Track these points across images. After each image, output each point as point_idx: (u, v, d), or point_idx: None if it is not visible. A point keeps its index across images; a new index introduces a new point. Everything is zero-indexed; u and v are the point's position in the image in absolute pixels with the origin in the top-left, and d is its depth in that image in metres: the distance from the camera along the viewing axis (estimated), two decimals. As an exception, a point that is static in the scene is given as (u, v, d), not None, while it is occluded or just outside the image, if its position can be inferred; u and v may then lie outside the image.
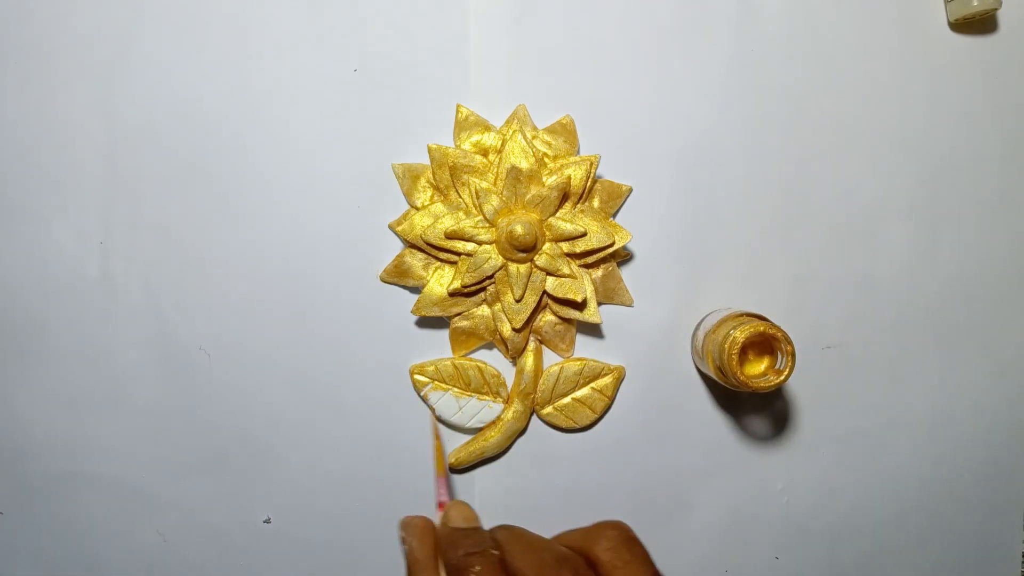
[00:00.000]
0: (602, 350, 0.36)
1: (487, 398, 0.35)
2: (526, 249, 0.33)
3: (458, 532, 0.26)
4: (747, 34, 0.35)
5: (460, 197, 0.34)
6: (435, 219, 0.34)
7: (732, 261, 0.36)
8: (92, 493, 0.36)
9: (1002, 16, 0.36)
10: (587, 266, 0.34)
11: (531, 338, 0.35)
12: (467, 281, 0.33)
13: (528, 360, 0.35)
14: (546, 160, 0.34)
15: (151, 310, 0.35)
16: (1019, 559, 0.38)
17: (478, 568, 0.24)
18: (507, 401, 0.35)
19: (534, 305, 0.34)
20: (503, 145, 0.33)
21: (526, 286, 0.33)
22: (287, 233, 0.35)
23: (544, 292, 0.34)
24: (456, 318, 0.35)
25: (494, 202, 0.33)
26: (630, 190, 0.35)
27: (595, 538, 0.26)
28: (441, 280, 0.34)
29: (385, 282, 0.35)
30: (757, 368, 0.33)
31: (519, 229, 0.32)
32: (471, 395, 0.35)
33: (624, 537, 0.26)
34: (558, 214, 0.34)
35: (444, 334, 0.35)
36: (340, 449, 0.36)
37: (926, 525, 0.37)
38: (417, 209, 0.34)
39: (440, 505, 0.30)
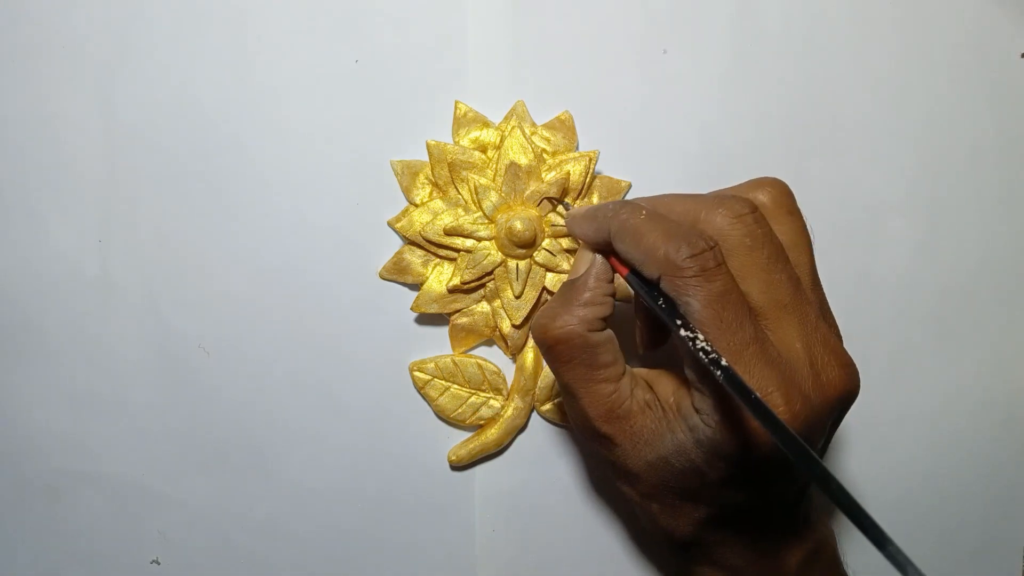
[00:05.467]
0: (602, 346, 0.36)
1: (487, 395, 0.35)
2: (525, 245, 0.33)
3: (650, 224, 0.24)
4: (747, 30, 0.35)
5: (459, 194, 0.34)
6: (434, 216, 0.34)
7: (732, 257, 0.35)
8: (92, 492, 0.36)
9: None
10: (587, 262, 0.34)
11: (531, 334, 0.35)
12: (466, 278, 0.33)
13: (528, 357, 0.35)
14: (545, 156, 0.34)
15: (150, 308, 0.35)
16: (1020, 555, 0.38)
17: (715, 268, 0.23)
18: (507, 398, 0.35)
19: (534, 301, 0.34)
20: (502, 141, 0.33)
21: (526, 282, 0.33)
22: (286, 230, 0.35)
23: (544, 288, 0.34)
24: (456, 315, 0.35)
25: (493, 198, 0.33)
26: (629, 186, 0.35)
27: (756, 187, 0.26)
28: (440, 277, 0.34)
29: (384, 279, 0.35)
30: None
31: (518, 225, 0.32)
32: (471, 392, 0.35)
33: (786, 190, 0.27)
34: (558, 210, 0.33)
35: (444, 331, 0.35)
36: (340, 446, 0.36)
37: (927, 520, 0.37)
38: (416, 206, 0.34)
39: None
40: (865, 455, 0.37)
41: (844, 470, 0.37)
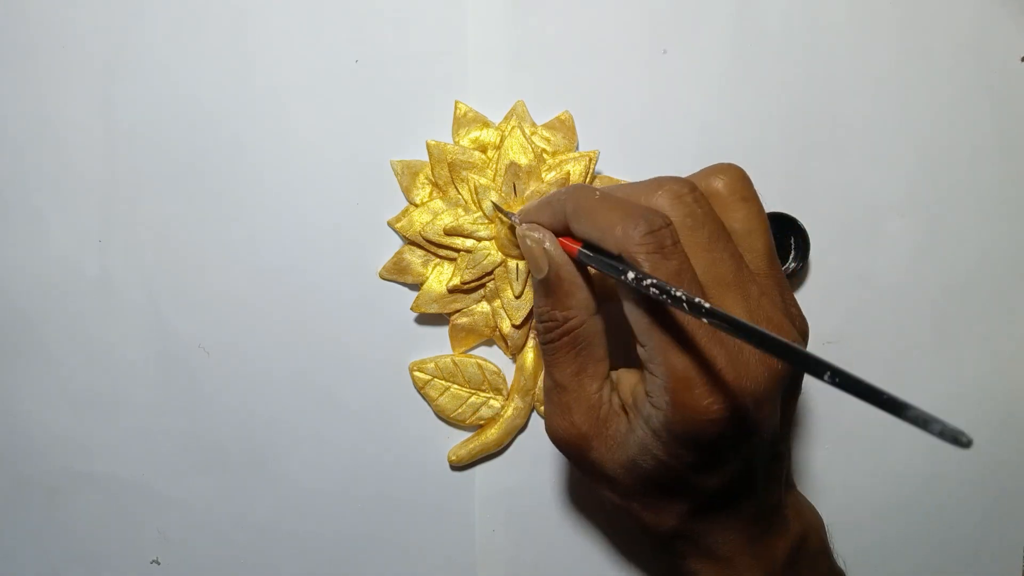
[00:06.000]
0: (602, 346, 0.36)
1: (487, 395, 0.35)
2: (525, 245, 0.33)
3: (605, 204, 0.24)
4: (747, 30, 0.35)
5: (459, 193, 0.34)
6: (434, 216, 0.34)
7: (732, 257, 0.35)
8: (91, 492, 0.36)
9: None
10: (587, 262, 0.34)
11: (531, 334, 0.35)
12: (466, 278, 0.33)
13: (528, 357, 0.35)
14: (545, 156, 0.34)
15: (150, 308, 0.35)
16: (1020, 555, 0.38)
17: (670, 248, 0.23)
18: (507, 398, 0.35)
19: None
20: (502, 141, 0.33)
21: (526, 282, 0.33)
22: (286, 230, 0.35)
23: (544, 288, 0.34)
24: (456, 315, 0.35)
25: (493, 198, 0.33)
26: (629, 186, 0.35)
27: (712, 174, 0.26)
28: (440, 277, 0.34)
29: (384, 279, 0.35)
30: None
31: (518, 225, 0.32)
32: (471, 392, 0.35)
33: (740, 175, 0.27)
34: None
35: (444, 331, 0.35)
36: (340, 446, 0.36)
37: (926, 520, 0.37)
38: (416, 206, 0.34)
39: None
40: (865, 455, 0.37)
41: (844, 470, 0.37)
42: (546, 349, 0.27)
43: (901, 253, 0.36)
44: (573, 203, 0.25)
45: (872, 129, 0.36)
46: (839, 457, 0.37)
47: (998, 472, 0.37)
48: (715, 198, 0.26)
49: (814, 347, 0.36)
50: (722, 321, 0.20)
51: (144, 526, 0.36)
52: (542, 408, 0.35)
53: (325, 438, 0.36)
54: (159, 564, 0.37)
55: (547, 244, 0.26)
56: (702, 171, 0.27)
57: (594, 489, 0.29)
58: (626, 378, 0.27)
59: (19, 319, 0.35)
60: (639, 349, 0.25)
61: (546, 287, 0.26)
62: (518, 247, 0.33)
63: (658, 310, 0.23)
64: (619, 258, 0.24)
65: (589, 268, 0.27)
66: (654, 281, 0.22)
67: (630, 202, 0.25)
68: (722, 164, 0.27)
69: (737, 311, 0.24)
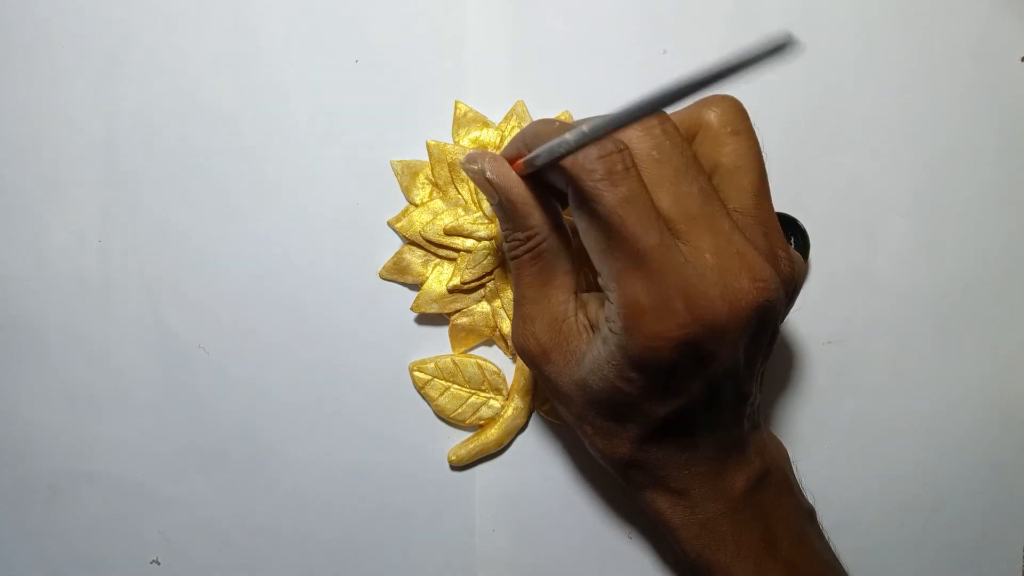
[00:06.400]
0: (602, 346, 0.36)
1: (487, 395, 0.35)
2: (525, 245, 0.33)
3: (545, 126, 0.24)
4: (746, 30, 0.35)
5: (459, 193, 0.34)
6: (434, 216, 0.34)
7: (732, 257, 0.35)
8: (91, 492, 0.36)
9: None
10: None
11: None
12: (466, 278, 0.33)
13: (528, 357, 0.35)
14: (545, 156, 0.34)
15: (150, 308, 0.35)
16: (1020, 555, 0.38)
17: (623, 172, 0.23)
18: (507, 398, 0.35)
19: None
20: (502, 141, 0.33)
21: (525, 282, 0.33)
22: (286, 230, 0.35)
23: (544, 288, 0.34)
24: (456, 315, 0.35)
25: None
26: (629, 186, 0.35)
27: (705, 105, 0.26)
28: (440, 277, 0.34)
29: (384, 279, 0.35)
30: None
31: (518, 225, 0.32)
32: (471, 392, 0.35)
33: (735, 106, 0.26)
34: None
35: (444, 331, 0.35)
36: (340, 446, 0.36)
37: (927, 520, 0.37)
38: (416, 206, 0.34)
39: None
40: (865, 455, 0.37)
41: (844, 470, 0.37)
42: (513, 265, 0.28)
43: (901, 253, 0.36)
44: (532, 131, 0.25)
45: (872, 129, 0.36)
46: (839, 457, 0.37)
47: (998, 472, 0.37)
48: (705, 131, 0.26)
49: (814, 347, 0.36)
50: (597, 130, 0.20)
51: (144, 526, 0.36)
52: (542, 408, 0.35)
53: (325, 438, 0.36)
54: (159, 564, 0.37)
55: (488, 173, 0.26)
56: (697, 102, 0.26)
57: (554, 405, 0.29)
58: (592, 302, 0.27)
59: (19, 319, 0.35)
60: (599, 279, 0.25)
61: (503, 211, 0.27)
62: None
63: (613, 236, 0.23)
64: (555, 154, 0.23)
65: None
66: (564, 151, 0.22)
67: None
68: (718, 95, 0.26)
69: (704, 245, 0.24)
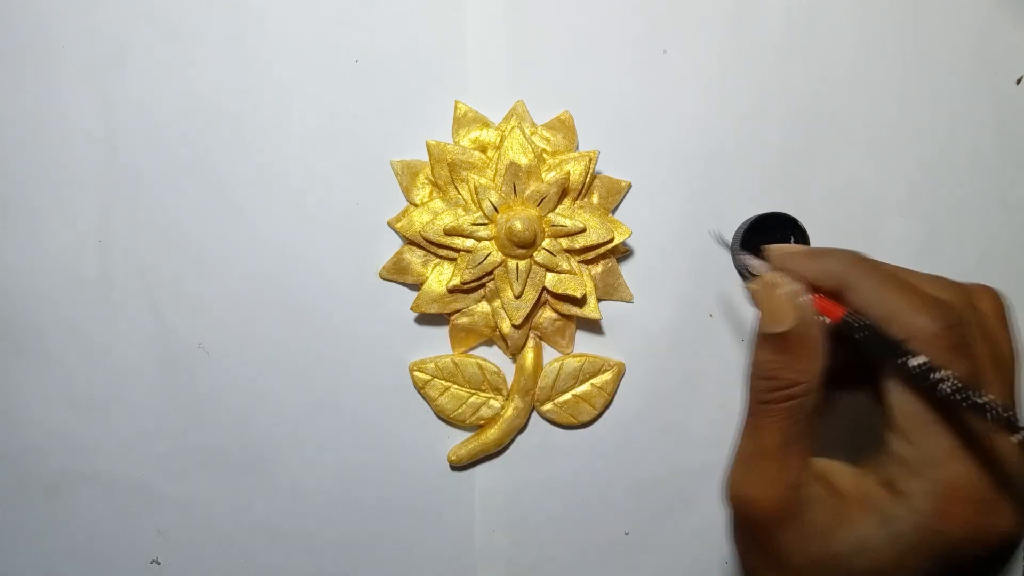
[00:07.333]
0: (602, 346, 0.36)
1: (487, 395, 0.35)
2: (525, 245, 0.33)
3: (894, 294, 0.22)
4: (746, 30, 0.35)
5: (459, 193, 0.34)
6: (434, 216, 0.34)
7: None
8: (91, 492, 0.36)
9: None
10: (587, 262, 0.34)
11: (531, 335, 0.35)
12: (466, 278, 0.33)
13: (528, 357, 0.35)
14: (545, 156, 0.34)
15: (150, 308, 0.35)
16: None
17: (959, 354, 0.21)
18: (507, 398, 0.35)
19: (534, 301, 0.34)
20: (502, 141, 0.33)
21: (526, 282, 0.33)
22: (286, 230, 0.35)
23: (544, 288, 0.34)
24: (455, 315, 0.35)
25: (493, 198, 0.33)
26: (629, 186, 0.35)
27: (977, 292, 0.24)
28: (440, 277, 0.34)
29: (384, 279, 0.35)
30: None
31: (518, 225, 0.32)
32: (471, 392, 0.35)
33: (1005, 303, 0.25)
34: (557, 210, 0.33)
35: (444, 331, 0.35)
36: (340, 446, 0.36)
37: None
38: (416, 206, 0.34)
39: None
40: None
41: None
42: (761, 409, 0.24)
43: (901, 253, 0.36)
44: (857, 273, 0.23)
45: (872, 129, 0.36)
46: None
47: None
48: (980, 317, 0.24)
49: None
50: None
51: (144, 526, 0.36)
52: (542, 408, 0.35)
53: (325, 438, 0.36)
54: (159, 564, 0.37)
55: (801, 298, 0.23)
56: (966, 285, 0.25)
57: (751, 569, 0.25)
58: (839, 470, 0.25)
59: (19, 319, 0.35)
60: (899, 443, 0.23)
61: (783, 343, 0.23)
62: (519, 247, 0.33)
63: (942, 407, 0.21)
64: (900, 342, 0.22)
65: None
66: (955, 379, 0.20)
67: (922, 289, 0.23)
68: (985, 286, 0.25)
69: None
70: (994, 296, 0.25)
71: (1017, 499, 0.21)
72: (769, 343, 0.24)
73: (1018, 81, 0.36)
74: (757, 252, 0.35)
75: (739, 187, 0.35)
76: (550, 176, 0.33)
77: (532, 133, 0.34)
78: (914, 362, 0.21)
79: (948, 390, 0.20)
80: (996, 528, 0.21)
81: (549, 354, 0.35)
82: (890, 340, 0.22)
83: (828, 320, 0.23)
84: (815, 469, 0.25)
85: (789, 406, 0.24)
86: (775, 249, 0.26)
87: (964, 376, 0.20)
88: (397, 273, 0.35)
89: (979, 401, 0.19)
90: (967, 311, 0.23)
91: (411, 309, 0.34)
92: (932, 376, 0.20)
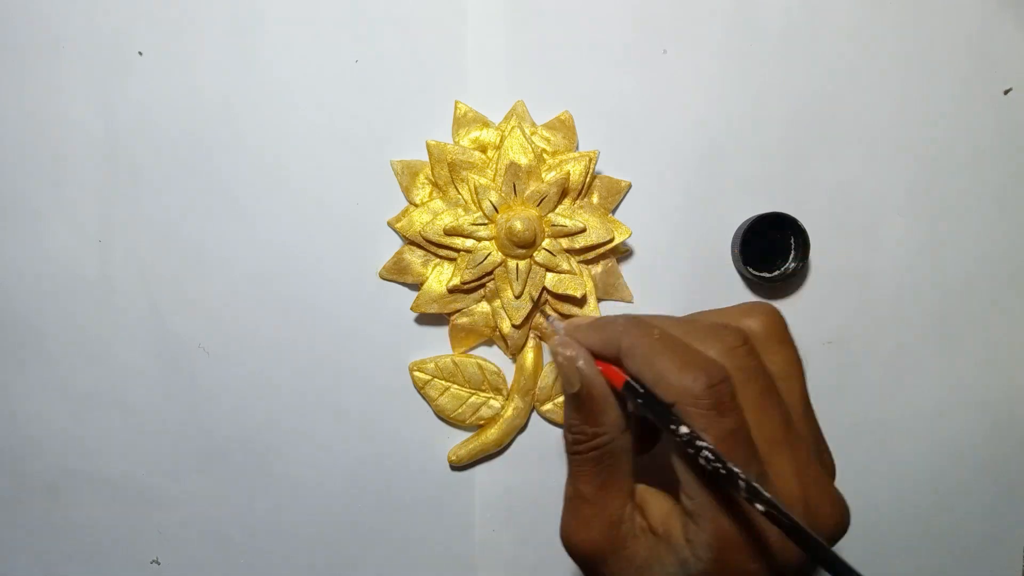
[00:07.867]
0: (602, 346, 0.36)
1: (487, 395, 0.35)
2: (525, 245, 0.33)
3: (669, 346, 0.23)
4: (746, 30, 0.35)
5: (459, 194, 0.34)
6: (434, 216, 0.34)
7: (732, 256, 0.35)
8: (91, 492, 0.36)
9: None
10: (587, 262, 0.34)
11: (531, 335, 0.35)
12: (466, 278, 0.33)
13: (528, 356, 0.35)
14: (545, 156, 0.34)
15: (150, 308, 0.35)
16: (1020, 554, 0.38)
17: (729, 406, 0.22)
18: (507, 398, 0.35)
19: (534, 301, 0.34)
20: (502, 141, 0.33)
21: (526, 282, 0.33)
22: (286, 231, 0.35)
23: (544, 288, 0.34)
24: (456, 315, 0.35)
25: (493, 198, 0.33)
26: (629, 186, 0.35)
27: (747, 314, 0.25)
28: (440, 277, 0.34)
29: (384, 279, 0.35)
30: None
31: (518, 225, 0.32)
32: (471, 392, 0.35)
33: (778, 317, 0.26)
34: (557, 210, 0.33)
35: (444, 331, 0.35)
36: (340, 446, 0.36)
37: (927, 520, 0.37)
38: (416, 206, 0.34)
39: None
40: (865, 455, 0.37)
41: (844, 470, 0.37)
42: (572, 460, 0.26)
43: (901, 253, 0.36)
44: (629, 340, 0.24)
45: (872, 129, 0.36)
46: (839, 457, 0.37)
47: (998, 472, 0.37)
48: (752, 339, 0.25)
49: (814, 347, 0.36)
50: (776, 512, 0.20)
51: (144, 525, 0.36)
52: (542, 408, 0.35)
53: (325, 438, 0.36)
54: (159, 564, 0.37)
55: (580, 363, 0.25)
56: (736, 309, 0.26)
57: None
58: (656, 502, 0.26)
59: (19, 319, 0.35)
60: (683, 498, 0.24)
61: (577, 402, 0.25)
62: (519, 247, 0.33)
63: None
64: (670, 406, 0.23)
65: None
66: (710, 450, 0.21)
67: (689, 348, 0.24)
68: (758, 304, 0.26)
69: (788, 472, 0.23)
70: (768, 312, 0.26)
71: (764, 546, 0.22)
72: (569, 402, 0.26)
73: (1006, 92, 0.36)
74: (757, 253, 0.35)
75: (739, 187, 0.35)
76: (550, 176, 0.33)
77: (532, 133, 0.34)
78: (680, 431, 0.22)
79: (702, 462, 0.21)
80: (772, 570, 0.23)
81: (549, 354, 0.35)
82: (661, 407, 0.23)
83: (616, 387, 0.25)
84: (639, 498, 0.26)
85: (595, 455, 0.26)
86: (567, 323, 0.28)
87: (725, 434, 0.22)
88: (397, 273, 0.35)
89: (732, 471, 0.21)
90: (737, 356, 0.23)
91: (411, 309, 0.34)
92: (693, 445, 0.21)
